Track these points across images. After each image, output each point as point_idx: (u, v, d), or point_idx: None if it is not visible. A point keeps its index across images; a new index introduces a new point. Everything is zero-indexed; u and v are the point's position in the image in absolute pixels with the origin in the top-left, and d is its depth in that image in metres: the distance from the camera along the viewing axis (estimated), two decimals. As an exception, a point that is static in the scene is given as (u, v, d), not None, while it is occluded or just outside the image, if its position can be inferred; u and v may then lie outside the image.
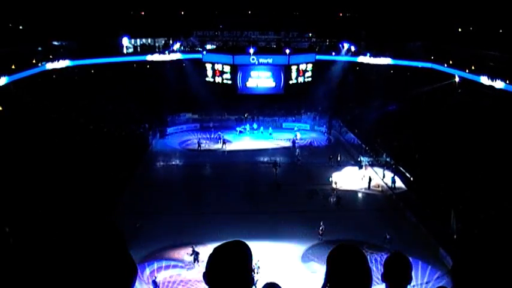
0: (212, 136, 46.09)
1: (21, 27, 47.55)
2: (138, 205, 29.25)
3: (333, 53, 53.54)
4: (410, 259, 2.81)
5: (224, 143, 43.12)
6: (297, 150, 41.39)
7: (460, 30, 50.65)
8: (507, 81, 35.86)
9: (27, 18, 44.80)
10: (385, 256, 3.10)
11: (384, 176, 35.04)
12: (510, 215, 23.49)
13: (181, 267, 23.16)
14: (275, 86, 50.40)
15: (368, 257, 2.29)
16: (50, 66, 43.24)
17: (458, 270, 2.58)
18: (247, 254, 2.12)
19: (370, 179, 33.97)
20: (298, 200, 30.84)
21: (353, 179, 35.28)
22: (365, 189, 33.64)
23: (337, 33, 54.34)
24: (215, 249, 2.12)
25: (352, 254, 2.29)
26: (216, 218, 27.07)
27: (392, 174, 34.03)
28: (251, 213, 28.30)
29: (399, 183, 33.08)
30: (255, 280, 2.21)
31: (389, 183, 33.58)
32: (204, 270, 2.06)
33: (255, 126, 48.86)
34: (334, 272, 2.27)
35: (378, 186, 33.91)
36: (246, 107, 50.90)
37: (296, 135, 45.30)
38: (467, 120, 35.90)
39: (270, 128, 48.36)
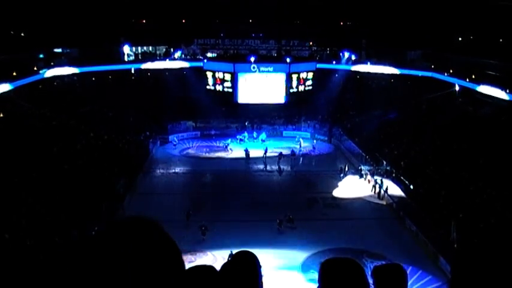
0: (216, 144, 46.20)
1: (22, 34, 47.75)
2: (138, 213, 29.11)
3: (334, 62, 53.67)
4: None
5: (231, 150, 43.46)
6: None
7: (460, 39, 50.80)
8: (507, 90, 35.89)
9: (29, 25, 44.97)
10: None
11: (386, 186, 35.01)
12: (510, 223, 23.43)
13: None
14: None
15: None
16: (51, 73, 43.34)
17: (457, 280, 2.51)
18: (257, 266, 2.11)
19: (380, 188, 33.89)
20: (298, 208, 30.83)
21: (355, 187, 35.31)
22: (376, 198, 33.57)
23: (338, 42, 54.50)
24: (225, 265, 2.11)
25: (345, 269, 2.13)
26: (216, 226, 27.01)
27: (381, 181, 34.17)
28: (251, 220, 28.20)
29: (391, 191, 33.06)
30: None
31: (380, 190, 33.65)
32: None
33: (254, 134, 48.89)
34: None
35: (379, 195, 33.89)
36: (247, 115, 51.06)
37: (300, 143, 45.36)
38: (467, 129, 35.91)
39: (263, 134, 48.53)
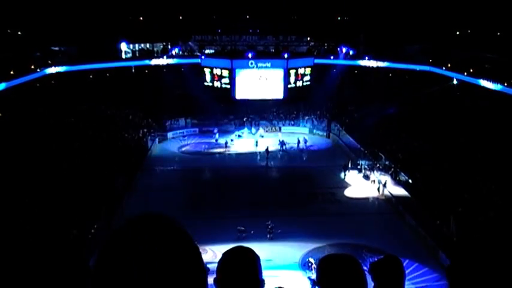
0: (217, 140, 46.46)
1: (19, 33, 47.59)
2: (137, 210, 29.11)
3: (332, 57, 53.57)
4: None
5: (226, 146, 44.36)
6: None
7: (458, 33, 50.76)
8: (505, 84, 35.90)
9: (26, 23, 44.83)
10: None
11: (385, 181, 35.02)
12: (509, 217, 23.47)
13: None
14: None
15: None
16: (48, 71, 43.20)
17: (454, 270, 2.50)
18: (256, 259, 2.10)
19: (379, 183, 33.89)
20: (298, 204, 30.89)
21: (355, 182, 35.34)
22: (375, 193, 33.57)
23: (336, 37, 54.43)
24: (225, 255, 2.10)
25: (344, 265, 2.13)
26: (216, 221, 27.03)
27: (380, 176, 34.20)
28: (250, 216, 28.17)
29: (390, 186, 33.06)
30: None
31: (379, 185, 33.72)
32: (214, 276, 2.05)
33: (253, 130, 48.95)
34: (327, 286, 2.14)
35: (378, 189, 33.91)
36: (245, 111, 51.04)
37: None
38: (466, 123, 35.93)
39: (261, 129, 48.62)
